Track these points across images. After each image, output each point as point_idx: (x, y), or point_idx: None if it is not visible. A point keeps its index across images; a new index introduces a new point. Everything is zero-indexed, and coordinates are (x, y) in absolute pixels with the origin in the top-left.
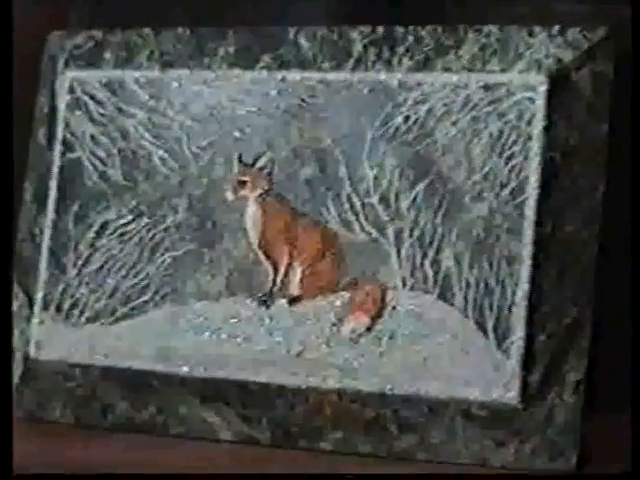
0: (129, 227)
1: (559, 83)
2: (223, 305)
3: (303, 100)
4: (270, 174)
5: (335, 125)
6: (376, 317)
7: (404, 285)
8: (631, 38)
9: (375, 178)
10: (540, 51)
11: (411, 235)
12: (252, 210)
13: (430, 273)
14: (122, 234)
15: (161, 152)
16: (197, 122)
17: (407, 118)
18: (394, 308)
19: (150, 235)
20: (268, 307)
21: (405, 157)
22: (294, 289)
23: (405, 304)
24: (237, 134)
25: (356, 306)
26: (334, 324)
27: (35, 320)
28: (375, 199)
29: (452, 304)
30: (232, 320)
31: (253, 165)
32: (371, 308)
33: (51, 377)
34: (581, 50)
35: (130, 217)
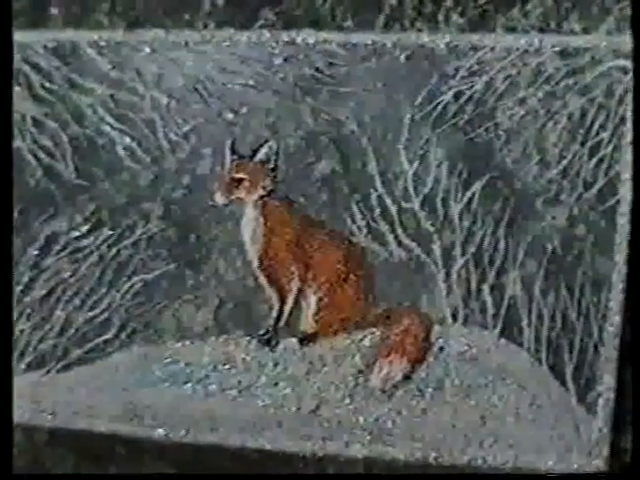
0: (84, 241)
1: None
2: (211, 346)
3: (318, 70)
4: (274, 169)
5: (361, 104)
6: (417, 361)
7: (455, 318)
8: (631, 37)
9: (416, 175)
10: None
11: (464, 252)
12: (250, 218)
13: (490, 302)
14: (75, 250)
15: (127, 140)
16: (175, 100)
17: (458, 94)
18: (441, 349)
19: (113, 252)
20: (272, 348)
21: (456, 147)
22: (307, 324)
23: (456, 344)
24: (229, 116)
25: (391, 347)
26: (360, 371)
27: None
28: (416, 203)
29: (519, 344)
30: (223, 366)
31: (251, 158)
32: (411, 349)
33: None
34: None
35: (86, 228)
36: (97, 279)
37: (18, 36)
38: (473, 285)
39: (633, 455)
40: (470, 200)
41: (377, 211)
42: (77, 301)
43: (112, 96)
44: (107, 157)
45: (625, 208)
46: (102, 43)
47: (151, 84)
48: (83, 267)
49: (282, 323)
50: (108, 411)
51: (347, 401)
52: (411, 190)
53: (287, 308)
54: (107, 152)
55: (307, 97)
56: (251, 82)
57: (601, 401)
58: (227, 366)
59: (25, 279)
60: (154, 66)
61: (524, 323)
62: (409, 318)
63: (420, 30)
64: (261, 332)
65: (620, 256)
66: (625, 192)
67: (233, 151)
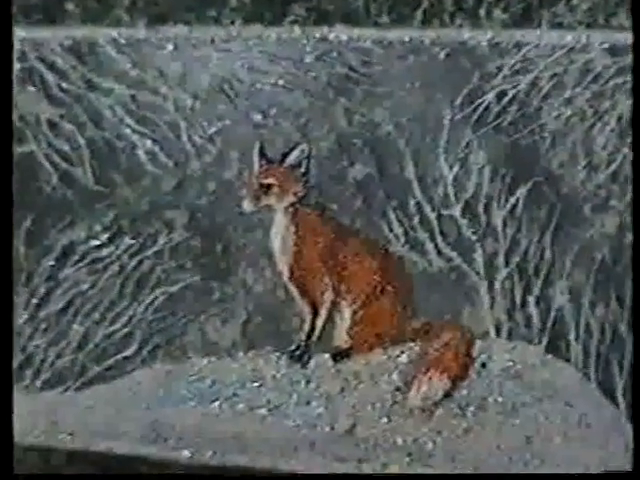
0: (104, 251)
1: None
2: (239, 362)
3: (352, 68)
4: (306, 174)
5: (398, 104)
6: (458, 378)
7: (498, 332)
8: (632, 37)
9: (456, 180)
10: None
11: (508, 261)
12: (281, 226)
13: (535, 315)
14: (94, 261)
15: (149, 144)
16: (200, 101)
17: (501, 94)
18: (484, 365)
19: (134, 263)
20: (304, 365)
21: (499, 150)
22: (341, 339)
23: (500, 359)
24: (258, 117)
25: (430, 363)
26: (398, 389)
27: None
28: (456, 210)
29: (567, 359)
30: (252, 384)
31: (281, 162)
32: (451, 365)
33: None
34: None
35: (105, 237)
36: (117, 291)
37: (32, 33)
38: (518, 297)
39: (634, 455)
40: (514, 206)
41: (415, 218)
42: (96, 315)
43: (133, 97)
44: (127, 162)
45: None
46: (122, 41)
47: (174, 84)
48: (102, 278)
49: (314, 338)
50: (130, 432)
51: (384, 420)
52: (451, 196)
53: (320, 322)
54: (127, 156)
55: (340, 97)
56: (281, 82)
57: None
58: (256, 384)
59: (41, 292)
60: (177, 65)
61: (572, 337)
62: (449, 332)
63: (460, 26)
64: (292, 347)
65: None
66: None
67: (262, 155)
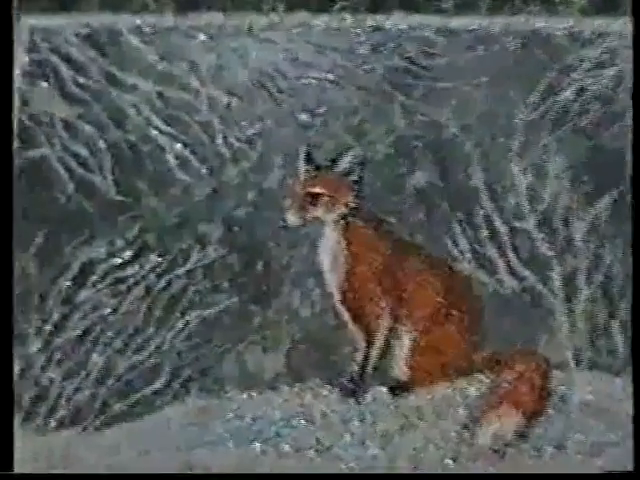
0: (128, 270)
1: None
2: (283, 397)
3: (412, 61)
4: (358, 182)
5: (464, 102)
6: (534, 414)
7: (578, 362)
8: (631, 37)
9: (530, 189)
10: None
11: (590, 281)
12: (330, 242)
13: (620, 342)
14: (117, 281)
15: (179, 147)
16: (237, 98)
17: (582, 90)
18: (563, 399)
19: (162, 283)
20: (358, 400)
21: (579, 154)
22: (400, 370)
23: (581, 392)
24: (304, 117)
25: (502, 397)
26: (466, 426)
27: None
28: (531, 222)
29: None
30: (299, 422)
31: (331, 168)
32: (526, 400)
33: None
34: None
35: (129, 254)
36: (143, 316)
37: (44, 21)
38: (601, 321)
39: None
40: (596, 218)
41: (484, 232)
42: (119, 343)
43: (160, 93)
44: (154, 168)
45: None
46: (147, 29)
47: (207, 79)
48: (126, 301)
49: (369, 369)
50: (160, 476)
51: (449, 462)
52: (525, 206)
53: (375, 351)
54: (154, 162)
55: (398, 94)
56: (330, 76)
57: None
58: (303, 421)
59: (56, 316)
60: (211, 57)
61: None
62: (523, 362)
63: (534, 13)
64: (344, 380)
65: None
66: None
67: (308, 160)
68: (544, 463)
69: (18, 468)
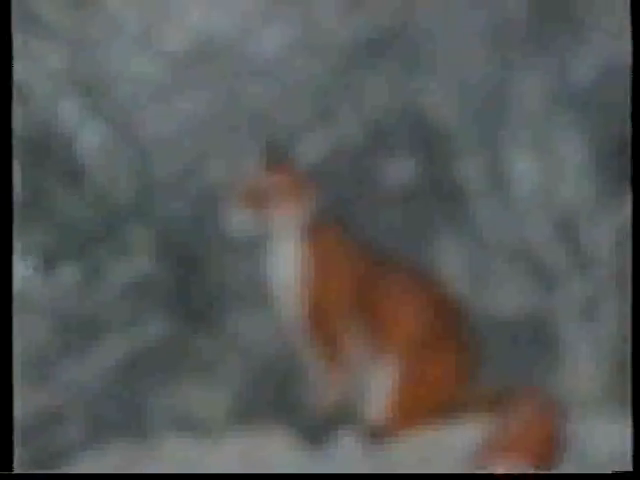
0: (37, 289)
1: None
2: (232, 444)
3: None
4: (323, 176)
5: (449, 68)
6: (544, 462)
7: (598, 403)
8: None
9: (539, 182)
10: None
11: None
12: (289, 249)
13: None
14: (22, 302)
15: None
16: (172, 67)
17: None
18: (578, 447)
19: (76, 305)
20: (324, 446)
21: (602, 141)
22: (377, 411)
23: (598, 437)
24: (256, 90)
25: (505, 442)
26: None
27: None
28: (540, 229)
29: None
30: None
31: (286, 156)
32: (534, 446)
33: None
34: None
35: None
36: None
37: None
38: (620, 352)
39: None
40: (623, 224)
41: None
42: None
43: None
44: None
45: None
46: None
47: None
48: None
49: (337, 406)
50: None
51: None
52: (531, 207)
53: (345, 381)
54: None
55: (376, 62)
56: (287, 39)
57: None
58: (256, 473)
59: None
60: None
61: None
62: (531, 402)
63: None
64: (307, 422)
65: None
66: None
67: (264, 148)
68: None
69: None
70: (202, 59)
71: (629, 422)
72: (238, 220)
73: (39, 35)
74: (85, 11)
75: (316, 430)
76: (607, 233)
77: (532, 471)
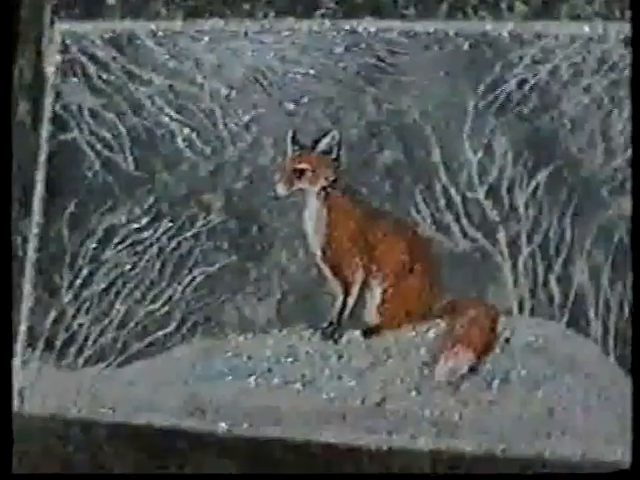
0: (144, 234)
1: None
2: (274, 339)
3: (380, 59)
4: (336, 160)
5: (424, 93)
6: (483, 353)
7: (521, 309)
8: (631, 37)
9: (480, 164)
10: None
11: (530, 241)
12: (313, 209)
13: (557, 293)
14: (135, 243)
15: (187, 131)
16: (235, 90)
17: (522, 82)
18: (508, 340)
19: (173, 244)
20: (336, 341)
21: (521, 135)
22: (371, 316)
23: (523, 335)
24: (290, 106)
25: (456, 338)
26: (426, 363)
27: (17, 361)
28: (481, 193)
29: (587, 334)
30: (286, 359)
31: (313, 148)
32: (477, 341)
33: (40, 437)
34: None
35: (145, 220)
36: (157, 272)
37: (74, 27)
38: (540, 275)
39: (633, 454)
40: (536, 189)
41: (441, 201)
42: (137, 294)
43: (170, 86)
44: (166, 148)
45: None
46: (160, 33)
47: (210, 74)
48: (143, 260)
49: (346, 315)
50: (169, 406)
51: (413, 394)
52: (476, 179)
53: (351, 300)
54: (166, 143)
55: (369, 86)
56: (312, 72)
57: None
58: (290, 359)
59: (84, 273)
60: (213, 56)
61: (591, 314)
62: (475, 309)
63: (483, 18)
64: (324, 325)
65: None
66: None
67: (294, 141)
68: (492, 394)
69: (49, 402)
70: (255, 85)
71: (537, 320)
72: (281, 190)
73: (149, 68)
74: (179, 55)
75: (331, 330)
76: (522, 197)
77: (474, 357)
